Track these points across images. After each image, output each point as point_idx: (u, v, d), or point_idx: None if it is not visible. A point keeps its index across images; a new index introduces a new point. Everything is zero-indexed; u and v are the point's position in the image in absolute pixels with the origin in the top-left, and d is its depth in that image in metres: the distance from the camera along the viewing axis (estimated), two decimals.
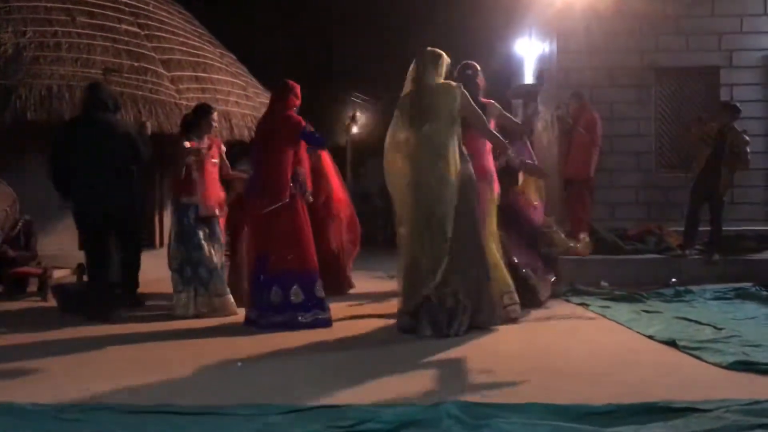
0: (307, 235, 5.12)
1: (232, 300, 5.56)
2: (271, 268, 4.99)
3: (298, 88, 5.22)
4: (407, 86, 4.88)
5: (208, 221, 5.60)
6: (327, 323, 5.00)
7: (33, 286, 6.77)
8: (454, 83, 4.82)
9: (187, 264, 5.51)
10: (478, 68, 5.38)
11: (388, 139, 4.84)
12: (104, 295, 5.48)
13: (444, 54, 4.89)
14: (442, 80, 4.80)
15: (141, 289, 6.04)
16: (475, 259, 4.73)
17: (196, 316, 5.40)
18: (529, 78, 10.65)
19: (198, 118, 5.71)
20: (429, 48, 4.91)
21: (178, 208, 5.65)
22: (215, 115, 5.84)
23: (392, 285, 6.95)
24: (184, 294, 5.49)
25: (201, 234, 5.53)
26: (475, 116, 4.83)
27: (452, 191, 4.61)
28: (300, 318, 4.95)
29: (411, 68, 4.89)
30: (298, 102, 5.22)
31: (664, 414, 2.86)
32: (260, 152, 5.21)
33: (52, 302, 6.05)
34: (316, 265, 5.11)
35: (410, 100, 4.79)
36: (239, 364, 3.32)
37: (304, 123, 5.12)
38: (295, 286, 4.96)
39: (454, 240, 4.60)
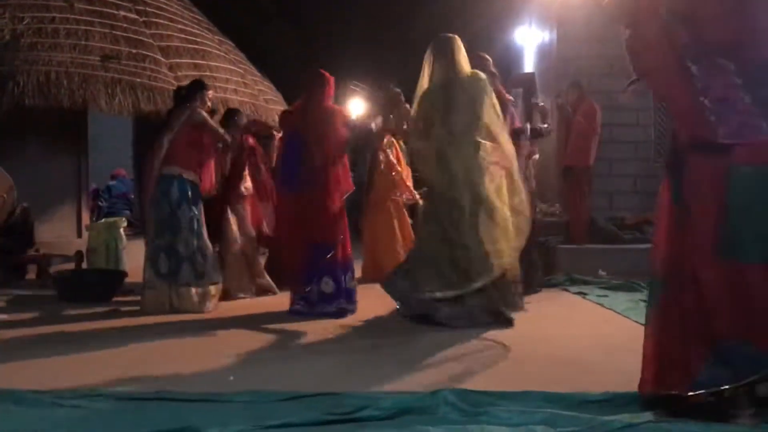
0: (345, 225, 5.24)
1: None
2: (328, 258, 5.04)
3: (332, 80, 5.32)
4: (434, 74, 4.74)
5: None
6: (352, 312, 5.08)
7: (32, 273, 6.78)
8: (482, 74, 4.78)
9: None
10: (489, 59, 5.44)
11: (416, 131, 4.79)
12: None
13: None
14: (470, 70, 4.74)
15: None
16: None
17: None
18: (529, 67, 10.62)
19: (192, 92, 5.43)
20: (450, 35, 4.82)
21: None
22: (210, 94, 5.61)
23: None
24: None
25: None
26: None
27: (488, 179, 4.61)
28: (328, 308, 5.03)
29: (432, 56, 4.77)
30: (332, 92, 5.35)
31: (660, 402, 2.87)
32: (307, 144, 5.12)
33: (50, 289, 6.05)
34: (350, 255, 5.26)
35: (443, 90, 4.66)
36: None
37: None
38: (348, 275, 5.13)
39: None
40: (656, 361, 2.75)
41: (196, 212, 5.31)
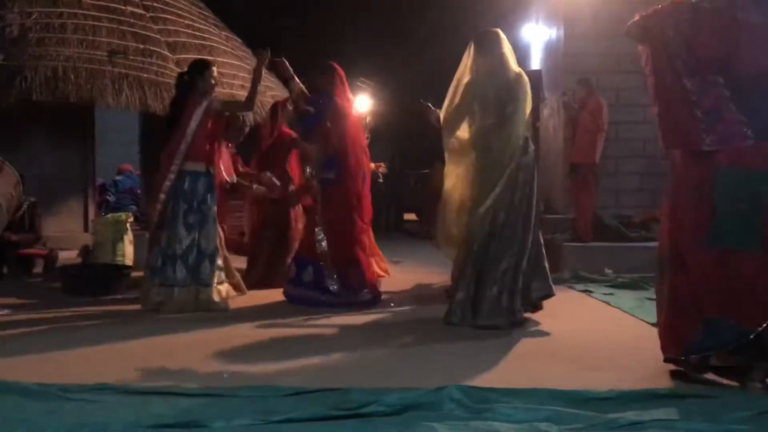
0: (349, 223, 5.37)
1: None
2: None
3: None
4: (480, 68, 4.64)
5: None
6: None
7: (38, 268, 6.80)
8: (523, 73, 4.71)
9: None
10: None
11: (454, 122, 4.70)
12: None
13: None
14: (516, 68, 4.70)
15: None
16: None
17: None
18: (535, 64, 10.60)
19: (193, 77, 5.15)
20: (493, 29, 4.75)
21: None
22: (214, 71, 5.24)
23: (398, 270, 6.99)
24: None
25: None
26: None
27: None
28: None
29: (476, 49, 4.66)
30: None
31: (666, 400, 2.88)
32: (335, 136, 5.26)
33: (57, 283, 6.07)
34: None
35: (494, 87, 4.57)
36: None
37: None
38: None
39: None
40: (660, 331, 3.31)
41: (214, 208, 5.16)
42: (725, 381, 3.18)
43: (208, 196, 5.07)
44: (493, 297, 4.47)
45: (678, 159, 3.23)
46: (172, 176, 5.00)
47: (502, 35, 4.72)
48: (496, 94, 4.57)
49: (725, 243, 3.02)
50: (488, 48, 4.65)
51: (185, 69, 5.45)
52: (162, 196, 5.01)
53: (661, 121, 3.26)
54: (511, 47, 4.74)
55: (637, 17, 3.34)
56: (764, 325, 2.94)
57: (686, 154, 3.17)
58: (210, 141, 5.13)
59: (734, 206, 3.00)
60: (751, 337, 2.95)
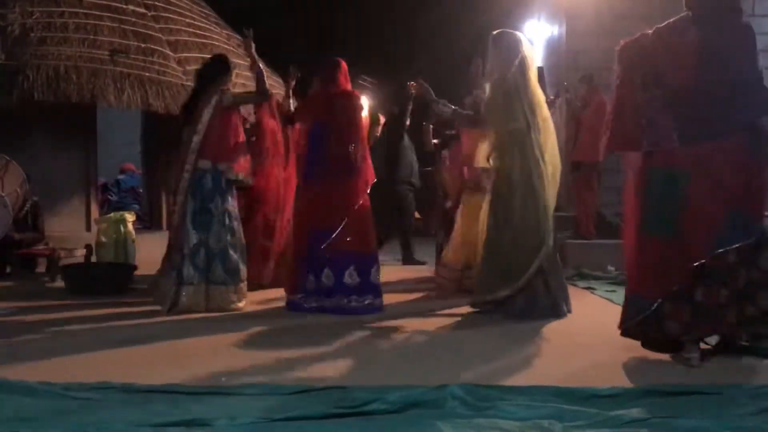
0: (369, 214, 5.01)
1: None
2: (347, 248, 4.84)
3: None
4: (511, 68, 4.72)
5: None
6: (380, 309, 4.89)
7: (42, 267, 6.81)
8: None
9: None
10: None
11: (505, 120, 4.73)
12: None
13: None
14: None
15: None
16: None
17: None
18: (538, 61, 10.59)
19: (216, 73, 5.06)
20: (510, 30, 4.95)
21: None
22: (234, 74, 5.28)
23: (403, 270, 6.98)
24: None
25: None
26: None
27: None
28: (353, 302, 4.82)
29: (502, 53, 4.77)
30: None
31: (669, 397, 2.87)
32: (328, 130, 5.00)
33: (60, 283, 6.08)
34: (374, 248, 5.08)
35: (529, 87, 4.74)
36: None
37: None
38: (351, 268, 4.83)
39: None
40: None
41: (230, 205, 5.04)
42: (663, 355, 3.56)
43: (216, 194, 4.96)
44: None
45: (628, 160, 3.79)
46: (186, 174, 4.92)
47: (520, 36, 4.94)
48: (532, 95, 4.79)
49: (649, 230, 3.52)
50: (523, 50, 4.81)
51: (207, 63, 5.33)
52: (180, 197, 4.95)
53: (612, 128, 3.76)
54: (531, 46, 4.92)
55: (621, 43, 3.81)
56: (659, 300, 3.41)
57: (633, 156, 3.69)
58: (224, 136, 5.00)
59: (659, 199, 3.50)
60: (651, 309, 3.43)
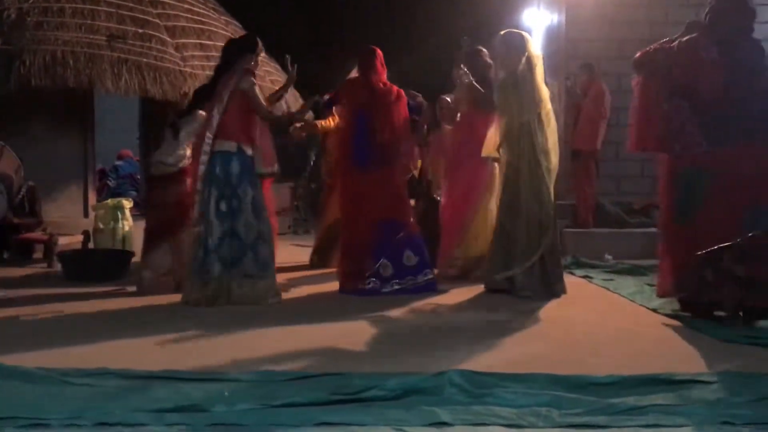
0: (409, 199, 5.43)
1: None
2: (399, 234, 5.14)
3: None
4: (519, 65, 5.01)
5: None
6: (434, 287, 5.17)
7: (39, 253, 6.80)
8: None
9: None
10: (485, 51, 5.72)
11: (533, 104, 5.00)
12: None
13: None
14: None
15: None
16: None
17: None
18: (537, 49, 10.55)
19: (242, 51, 4.78)
20: (518, 31, 5.27)
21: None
22: (261, 55, 4.92)
23: None
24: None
25: None
26: None
27: None
28: (418, 279, 5.14)
29: (509, 52, 5.05)
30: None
31: (665, 386, 2.88)
32: (375, 119, 5.16)
33: (57, 269, 6.07)
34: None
35: (536, 82, 5.04)
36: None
37: None
38: (407, 251, 5.14)
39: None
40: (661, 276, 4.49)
41: (257, 191, 4.75)
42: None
43: (245, 179, 4.65)
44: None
45: (662, 159, 4.41)
46: (204, 157, 4.63)
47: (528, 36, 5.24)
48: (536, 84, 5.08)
49: (679, 220, 4.23)
50: (531, 49, 5.11)
51: (235, 39, 5.17)
52: (198, 185, 4.65)
53: (640, 128, 4.43)
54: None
55: (638, 54, 4.44)
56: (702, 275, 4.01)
57: (666, 156, 4.35)
58: (247, 118, 4.72)
59: (688, 194, 4.17)
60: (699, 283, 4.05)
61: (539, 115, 5.01)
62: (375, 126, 5.14)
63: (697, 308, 4.13)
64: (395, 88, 5.32)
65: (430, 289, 5.12)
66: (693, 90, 4.14)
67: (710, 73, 4.10)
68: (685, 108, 4.16)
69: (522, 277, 4.96)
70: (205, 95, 4.92)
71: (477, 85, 5.44)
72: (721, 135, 4.08)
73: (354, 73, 5.58)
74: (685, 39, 4.23)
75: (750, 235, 3.85)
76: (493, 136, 5.23)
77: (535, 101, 5.00)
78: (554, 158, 5.06)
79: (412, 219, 5.35)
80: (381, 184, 5.16)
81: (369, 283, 5.10)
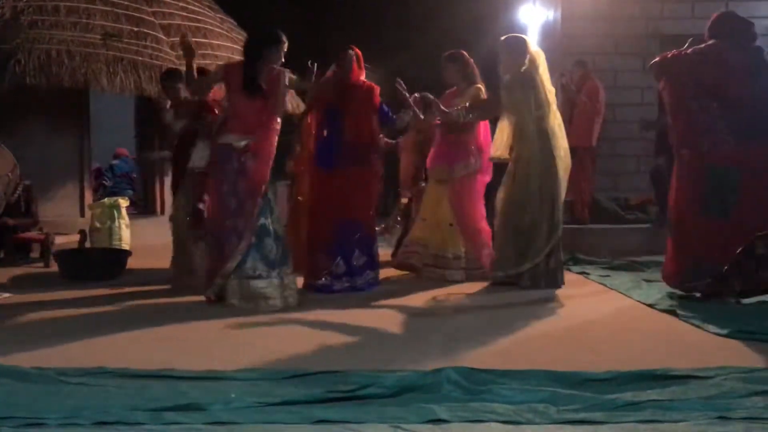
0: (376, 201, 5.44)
1: None
2: (359, 233, 5.17)
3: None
4: (522, 66, 5.16)
5: None
6: (377, 283, 5.28)
7: (35, 252, 6.79)
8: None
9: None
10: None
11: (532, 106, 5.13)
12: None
13: None
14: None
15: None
16: None
17: None
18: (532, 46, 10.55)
19: (267, 46, 4.55)
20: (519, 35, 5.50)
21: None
22: (285, 47, 4.62)
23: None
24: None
25: None
26: None
27: None
28: (360, 281, 5.17)
29: (512, 54, 5.21)
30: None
31: (663, 381, 2.89)
32: (344, 118, 5.13)
33: (54, 268, 6.06)
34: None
35: (542, 81, 5.21)
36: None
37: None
38: (357, 250, 5.17)
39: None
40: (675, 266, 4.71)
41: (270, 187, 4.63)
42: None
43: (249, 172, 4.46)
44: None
45: (686, 156, 4.59)
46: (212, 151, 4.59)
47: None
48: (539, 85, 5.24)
49: (708, 214, 4.46)
50: (520, 50, 5.25)
51: (256, 36, 4.81)
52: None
53: (673, 130, 4.71)
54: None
55: (657, 59, 4.73)
56: (726, 266, 4.36)
57: (692, 153, 4.55)
58: (255, 113, 4.53)
59: (717, 189, 4.43)
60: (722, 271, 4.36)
61: (552, 112, 5.22)
62: (344, 126, 5.12)
63: (719, 296, 4.45)
64: (370, 86, 5.26)
65: (372, 287, 5.20)
66: (722, 91, 4.44)
67: (738, 75, 4.44)
68: (714, 108, 4.43)
69: (530, 270, 5.14)
70: (247, 86, 4.52)
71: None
72: (749, 133, 4.39)
73: (330, 73, 5.44)
74: (706, 45, 4.57)
75: None
76: (500, 137, 5.31)
77: (546, 98, 5.18)
78: (563, 154, 5.25)
79: (371, 218, 5.33)
80: (346, 184, 5.11)
81: (322, 279, 5.14)
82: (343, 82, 5.21)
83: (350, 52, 5.24)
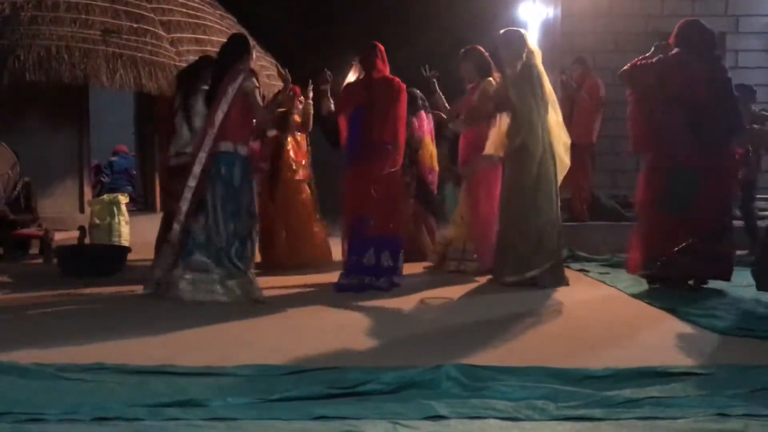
0: (401, 201, 5.46)
1: None
2: (370, 231, 5.10)
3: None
4: (521, 60, 5.17)
5: None
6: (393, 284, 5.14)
7: (35, 249, 6.79)
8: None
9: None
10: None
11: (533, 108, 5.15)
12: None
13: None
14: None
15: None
16: None
17: None
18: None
19: (237, 54, 4.80)
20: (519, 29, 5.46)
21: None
22: (254, 55, 5.01)
23: None
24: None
25: None
26: None
27: None
28: (380, 281, 5.06)
29: (511, 49, 5.20)
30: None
31: (662, 378, 2.89)
32: (367, 115, 5.12)
33: (54, 264, 6.06)
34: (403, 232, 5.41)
35: (541, 74, 5.25)
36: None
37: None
38: (386, 252, 5.11)
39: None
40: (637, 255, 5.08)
41: (254, 191, 4.84)
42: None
43: (245, 179, 4.73)
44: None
45: (649, 158, 5.04)
46: (203, 154, 4.66)
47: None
48: (539, 81, 5.28)
49: (665, 210, 4.82)
50: (521, 45, 5.25)
51: (226, 44, 5.04)
52: (191, 181, 4.65)
53: (637, 135, 5.06)
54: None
55: (627, 67, 4.99)
56: (663, 258, 4.78)
57: (655, 155, 4.94)
58: (244, 118, 4.75)
59: (676, 189, 4.76)
60: (671, 259, 4.75)
61: (553, 109, 5.28)
62: (370, 124, 5.10)
63: (669, 280, 4.87)
64: (396, 82, 5.22)
65: (382, 289, 5.02)
66: (685, 98, 4.74)
67: (696, 85, 4.71)
68: (675, 114, 4.76)
69: (548, 270, 5.19)
70: (208, 94, 4.88)
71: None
72: (707, 138, 4.71)
73: (351, 74, 5.53)
74: (671, 55, 4.85)
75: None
76: (496, 133, 5.31)
77: (547, 92, 5.24)
78: (566, 155, 5.35)
79: (387, 216, 5.17)
80: (359, 179, 5.12)
81: (342, 278, 5.14)
82: (370, 80, 5.20)
83: (373, 48, 5.23)
